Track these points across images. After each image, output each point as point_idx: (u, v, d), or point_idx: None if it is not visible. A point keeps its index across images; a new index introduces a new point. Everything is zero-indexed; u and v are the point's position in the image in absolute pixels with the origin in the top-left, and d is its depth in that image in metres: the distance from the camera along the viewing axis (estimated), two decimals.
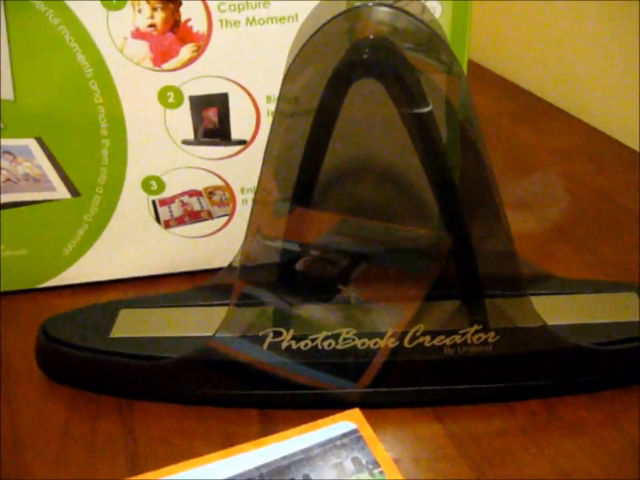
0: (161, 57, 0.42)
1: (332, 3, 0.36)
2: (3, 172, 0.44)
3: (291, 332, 0.38)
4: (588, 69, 0.73)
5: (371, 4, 0.33)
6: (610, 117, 0.70)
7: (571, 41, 0.75)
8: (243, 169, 0.46)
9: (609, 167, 0.63)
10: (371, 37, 0.34)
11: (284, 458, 0.34)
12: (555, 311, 0.40)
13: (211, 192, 0.47)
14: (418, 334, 0.38)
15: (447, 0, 0.43)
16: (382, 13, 0.33)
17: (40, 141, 0.44)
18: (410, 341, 0.38)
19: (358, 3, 0.34)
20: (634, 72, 0.66)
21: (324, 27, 0.33)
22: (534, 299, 0.38)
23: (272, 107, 0.44)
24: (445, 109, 0.37)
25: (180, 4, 0.41)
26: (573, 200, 0.58)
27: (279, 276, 0.41)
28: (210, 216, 0.48)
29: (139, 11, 0.40)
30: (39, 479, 0.36)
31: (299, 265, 0.41)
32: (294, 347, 0.38)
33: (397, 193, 0.43)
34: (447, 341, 0.38)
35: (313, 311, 0.40)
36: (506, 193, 0.37)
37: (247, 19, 0.41)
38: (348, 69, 0.34)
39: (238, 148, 0.45)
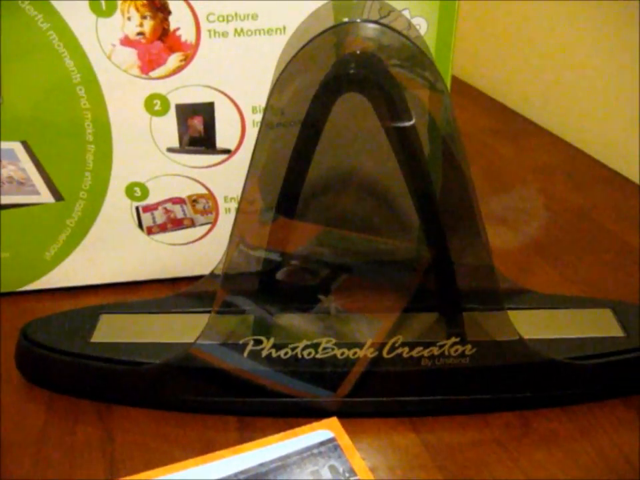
0: (148, 64, 0.42)
1: (320, 18, 0.37)
2: None
3: (271, 340, 0.38)
4: (569, 88, 0.74)
5: (358, 20, 0.34)
6: (589, 136, 0.71)
7: (553, 60, 0.76)
8: (226, 177, 0.46)
9: (587, 185, 0.64)
10: (357, 52, 0.34)
11: (262, 465, 0.35)
12: (531, 325, 0.41)
13: (194, 200, 0.47)
14: (397, 345, 0.38)
15: (432, 17, 0.44)
16: (369, 29, 0.34)
17: (25, 145, 0.44)
18: (388, 352, 0.38)
19: (346, 19, 0.34)
20: (614, 92, 0.68)
21: (312, 41, 0.33)
22: (511, 313, 0.38)
23: (257, 117, 0.45)
24: (427, 124, 0.37)
25: (169, 13, 0.41)
26: (550, 217, 0.59)
27: (260, 285, 0.41)
28: (192, 223, 0.48)
29: (128, 19, 0.41)
30: None
31: (279, 275, 0.41)
32: (274, 355, 0.38)
33: (379, 205, 0.44)
34: (425, 353, 0.38)
35: (293, 320, 0.40)
36: (485, 208, 0.38)
37: (235, 30, 0.42)
38: (334, 82, 0.34)
39: (222, 157, 0.46)
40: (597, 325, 0.42)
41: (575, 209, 0.60)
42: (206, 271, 0.44)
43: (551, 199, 0.61)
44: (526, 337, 0.38)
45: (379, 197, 0.43)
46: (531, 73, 0.80)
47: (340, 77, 0.34)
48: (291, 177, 0.37)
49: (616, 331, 0.41)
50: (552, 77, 0.77)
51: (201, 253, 0.49)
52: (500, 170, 0.67)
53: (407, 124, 0.35)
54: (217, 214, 0.48)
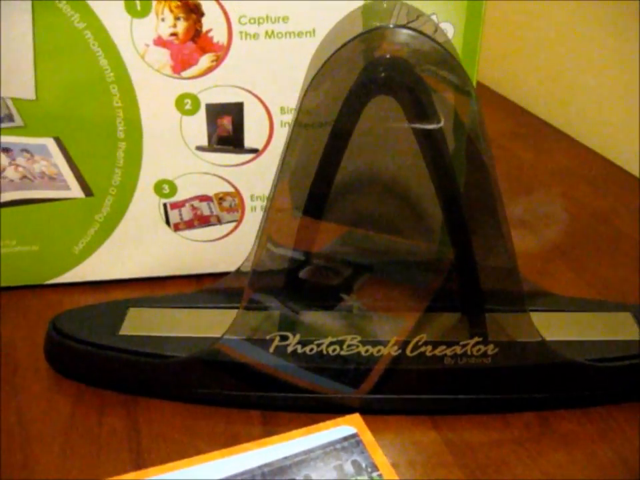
0: (180, 64, 0.43)
1: (351, 23, 0.37)
2: (20, 169, 0.45)
3: (298, 336, 0.39)
4: (589, 93, 0.74)
5: (391, 25, 0.34)
6: (610, 141, 0.71)
7: (574, 64, 0.76)
8: (253, 177, 0.47)
9: (607, 190, 0.64)
10: (387, 56, 0.35)
11: (286, 458, 0.35)
12: (553, 327, 0.41)
13: (221, 198, 0.48)
14: (420, 343, 0.39)
15: (459, 22, 0.44)
16: (400, 34, 0.34)
17: (58, 141, 0.45)
18: (412, 350, 0.39)
19: (376, 23, 0.35)
20: (635, 97, 0.68)
21: (345, 45, 0.34)
22: (533, 315, 0.39)
23: (285, 117, 0.45)
24: (454, 127, 0.38)
25: (202, 15, 0.42)
26: (571, 221, 0.59)
27: (285, 283, 0.41)
28: (219, 221, 0.49)
29: (162, 20, 0.42)
30: (45, 470, 0.37)
31: (303, 273, 0.42)
32: (299, 351, 0.39)
33: (401, 206, 0.44)
34: (448, 352, 0.39)
35: (316, 317, 0.41)
36: (506, 211, 0.38)
37: (266, 32, 0.43)
38: (365, 85, 0.35)
39: (250, 156, 0.46)
40: (616, 328, 0.42)
41: (595, 213, 0.60)
42: (231, 267, 0.44)
43: (571, 203, 0.62)
44: (547, 338, 0.39)
45: (402, 198, 0.44)
46: (551, 77, 0.80)
47: (370, 81, 0.35)
48: (320, 179, 0.38)
49: (635, 334, 0.42)
50: (573, 81, 0.77)
51: (226, 250, 0.50)
52: (520, 174, 0.67)
53: (435, 126, 0.36)
54: (243, 212, 0.49)
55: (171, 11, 0.41)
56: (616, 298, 0.49)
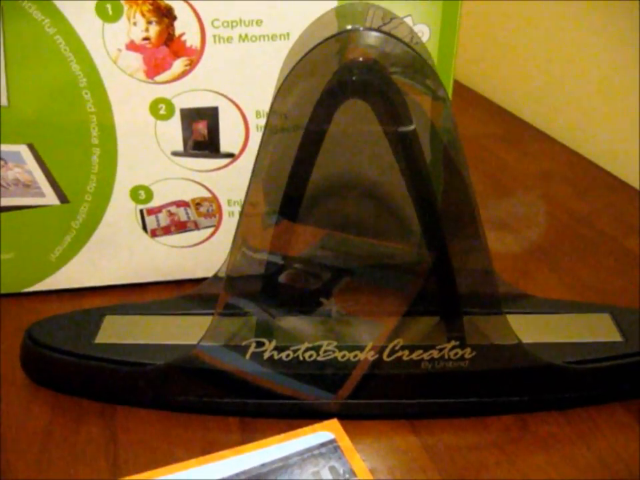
0: (154, 69, 0.43)
1: (324, 24, 0.37)
2: None
3: (273, 342, 0.39)
4: (571, 93, 0.75)
5: (360, 28, 0.34)
6: (591, 143, 0.71)
7: (556, 65, 0.76)
8: (230, 181, 0.47)
9: (587, 191, 0.64)
10: (360, 59, 0.35)
11: (263, 465, 0.35)
12: (530, 330, 0.41)
13: (198, 203, 0.48)
14: (397, 348, 0.39)
15: (435, 23, 0.44)
16: (371, 36, 0.34)
17: (31, 147, 0.44)
18: (389, 355, 0.39)
19: (349, 26, 0.35)
20: (616, 98, 0.68)
21: (316, 48, 0.34)
22: (510, 318, 0.39)
23: (261, 121, 0.45)
24: (429, 131, 0.38)
25: (175, 18, 0.41)
26: (551, 222, 0.59)
27: (262, 287, 0.41)
28: (196, 226, 0.48)
29: (134, 24, 0.41)
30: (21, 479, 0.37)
31: (282, 278, 0.42)
32: (276, 357, 0.39)
33: (380, 210, 0.44)
34: (425, 356, 0.39)
35: (294, 322, 0.41)
36: (486, 213, 0.38)
37: (240, 36, 0.42)
38: (337, 89, 0.35)
39: (226, 161, 0.46)
40: (595, 330, 0.42)
41: (576, 214, 0.60)
42: (209, 273, 0.44)
43: (552, 205, 0.62)
44: (525, 341, 0.39)
45: (381, 201, 0.44)
46: (533, 78, 0.81)
47: (342, 84, 0.35)
48: (294, 181, 0.37)
49: (614, 335, 0.42)
50: (554, 82, 0.77)
51: (205, 255, 0.49)
52: (502, 175, 0.67)
53: (408, 129, 0.35)
54: (221, 217, 0.48)
55: (143, 15, 0.41)
56: (596, 299, 0.49)
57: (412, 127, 0.35)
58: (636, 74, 0.64)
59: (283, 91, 0.35)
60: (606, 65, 0.69)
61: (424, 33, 0.44)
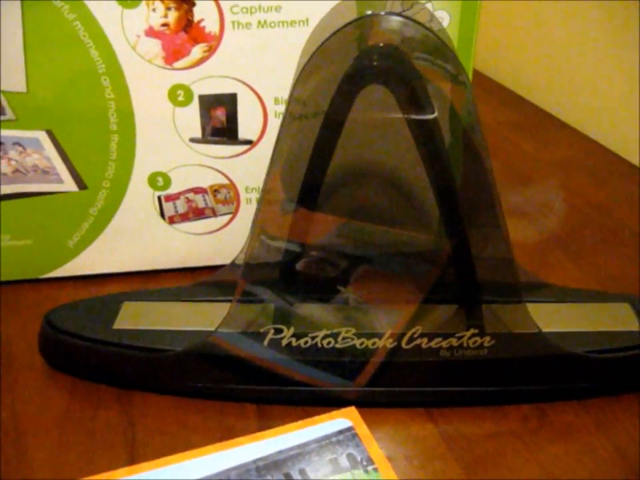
0: (172, 55, 0.43)
1: (344, 10, 0.37)
2: (12, 163, 0.45)
3: (292, 329, 0.39)
4: (589, 82, 0.74)
5: (382, 13, 0.34)
6: (610, 131, 0.71)
7: (574, 53, 0.76)
8: (248, 168, 0.47)
9: (607, 180, 0.64)
10: (381, 44, 0.34)
11: (280, 452, 0.35)
12: (550, 319, 0.41)
13: (215, 190, 0.47)
14: (415, 335, 0.38)
15: (455, 10, 0.44)
16: (392, 21, 0.34)
17: (50, 134, 0.44)
18: (407, 342, 0.39)
19: (369, 12, 0.35)
20: (635, 86, 0.67)
21: (336, 33, 0.33)
22: (530, 306, 0.39)
23: (279, 108, 0.45)
24: (449, 116, 0.38)
25: (194, 4, 0.41)
26: (571, 211, 0.59)
27: (280, 275, 0.41)
28: (214, 213, 0.48)
29: (153, 10, 0.41)
30: (39, 465, 0.37)
31: (299, 265, 0.42)
32: (294, 344, 0.39)
33: (399, 197, 0.44)
34: (444, 344, 0.38)
35: (312, 310, 0.41)
36: (504, 201, 0.38)
37: (259, 22, 0.42)
38: (357, 74, 0.34)
39: (244, 147, 0.46)
40: (615, 319, 0.42)
41: (595, 204, 0.60)
42: (226, 260, 0.44)
43: (571, 194, 0.61)
44: (544, 329, 0.39)
45: (399, 189, 0.43)
46: (551, 66, 0.80)
47: (363, 69, 0.35)
48: (313, 169, 0.37)
49: (634, 325, 0.41)
50: (573, 70, 0.76)
51: (222, 242, 0.49)
52: (519, 164, 0.67)
53: (430, 116, 0.35)
54: (238, 204, 0.48)
55: (162, 1, 0.41)
56: (615, 289, 0.49)
57: (434, 115, 0.35)
58: None
59: (302, 77, 0.35)
60: (625, 53, 0.68)
61: (444, 19, 0.44)
